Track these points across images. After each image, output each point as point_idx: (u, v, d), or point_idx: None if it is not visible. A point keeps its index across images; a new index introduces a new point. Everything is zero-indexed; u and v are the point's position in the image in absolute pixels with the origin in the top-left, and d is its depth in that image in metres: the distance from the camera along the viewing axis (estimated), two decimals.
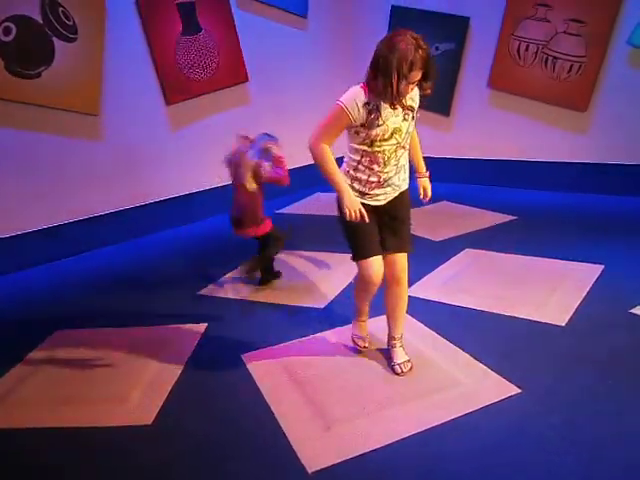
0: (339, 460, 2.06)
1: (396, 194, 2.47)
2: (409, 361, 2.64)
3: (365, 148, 2.32)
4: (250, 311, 3.46)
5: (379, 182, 2.39)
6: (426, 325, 3.05)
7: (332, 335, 3.03)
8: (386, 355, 2.73)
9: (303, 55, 6.38)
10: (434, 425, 2.21)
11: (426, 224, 4.83)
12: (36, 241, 4.56)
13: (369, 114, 2.23)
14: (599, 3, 5.10)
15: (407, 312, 3.15)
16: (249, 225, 3.57)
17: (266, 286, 3.79)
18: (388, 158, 2.35)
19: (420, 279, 3.66)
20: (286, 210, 5.79)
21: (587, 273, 3.59)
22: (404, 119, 2.31)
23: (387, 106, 2.24)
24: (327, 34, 6.61)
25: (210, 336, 3.15)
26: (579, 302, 3.20)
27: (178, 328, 3.26)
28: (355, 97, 2.22)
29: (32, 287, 4.18)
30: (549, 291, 3.38)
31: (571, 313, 3.07)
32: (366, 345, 2.80)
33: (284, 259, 4.22)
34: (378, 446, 2.11)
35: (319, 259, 4.16)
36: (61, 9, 4.39)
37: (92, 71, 4.66)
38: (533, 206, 5.31)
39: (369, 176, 2.38)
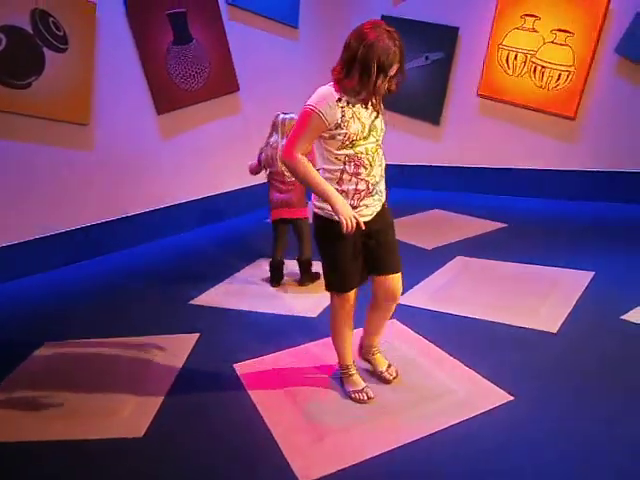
0: (332, 470, 2.04)
1: (380, 207, 2.32)
2: (392, 365, 2.64)
3: (347, 152, 2.16)
4: (242, 320, 3.44)
5: (368, 189, 2.22)
6: (418, 333, 3.05)
7: (325, 344, 3.01)
8: None
9: (294, 65, 6.42)
10: (427, 434, 2.21)
11: (418, 232, 4.85)
12: (25, 252, 4.53)
13: (343, 112, 2.11)
14: (586, 13, 5.17)
15: (400, 320, 3.16)
16: (297, 206, 3.78)
17: (260, 293, 3.81)
18: (373, 159, 2.21)
19: (412, 287, 3.66)
20: None
21: (578, 280, 3.60)
22: (376, 116, 2.22)
23: (358, 103, 2.15)
24: (318, 44, 6.65)
25: (202, 346, 3.13)
26: (570, 309, 3.21)
27: (170, 338, 3.24)
28: (325, 96, 2.12)
29: (20, 299, 4.13)
30: (540, 298, 3.39)
31: (562, 320, 3.08)
32: (371, 395, 2.47)
33: None
34: (371, 456, 2.10)
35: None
36: (51, 19, 4.39)
37: (82, 81, 4.65)
38: (523, 213, 5.35)
39: (357, 184, 2.20)
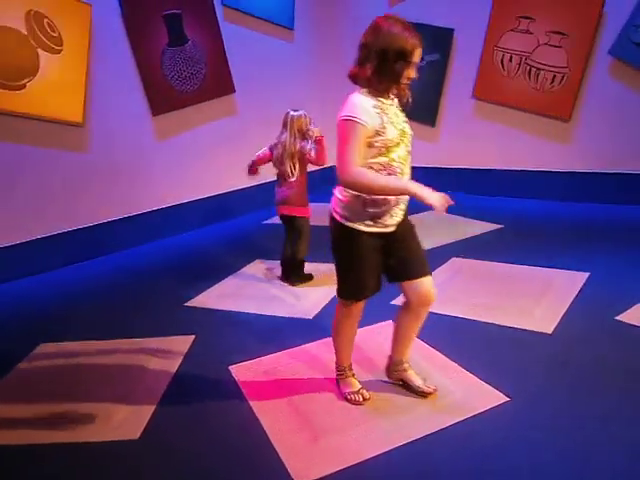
0: (328, 472, 2.04)
1: (403, 215, 2.24)
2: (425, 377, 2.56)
3: (382, 160, 2.07)
4: (238, 322, 3.44)
5: (396, 199, 2.14)
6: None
7: (320, 346, 3.02)
8: (375, 365, 2.73)
9: (289, 66, 6.42)
10: (424, 435, 2.21)
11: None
12: (21, 253, 4.51)
13: (381, 117, 2.03)
14: (580, 15, 5.19)
15: (395, 322, 3.15)
16: (296, 205, 3.82)
17: (250, 296, 3.81)
18: (404, 166, 2.13)
19: None
20: (271, 221, 5.78)
21: (573, 281, 3.62)
22: (404, 120, 2.16)
23: (389, 106, 2.09)
24: (313, 46, 6.66)
25: (198, 348, 3.12)
26: (565, 310, 3.22)
27: (165, 340, 3.23)
28: (360, 104, 2.02)
29: (15, 300, 4.12)
30: (535, 299, 3.40)
31: (557, 321, 3.09)
32: (367, 397, 2.48)
33: (271, 270, 4.22)
34: (368, 457, 2.10)
35: (306, 270, 4.16)
36: (46, 20, 4.38)
37: (77, 82, 4.64)
38: (519, 215, 5.36)
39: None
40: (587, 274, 3.68)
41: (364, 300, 2.35)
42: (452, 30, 5.99)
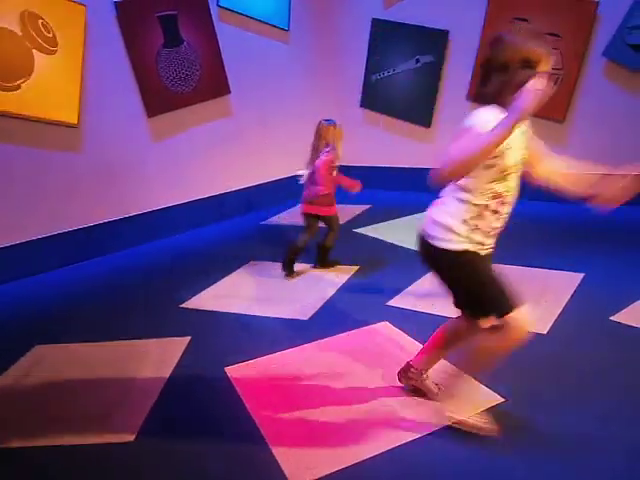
0: (325, 472, 2.04)
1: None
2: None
3: (495, 187, 1.91)
4: (234, 323, 3.43)
5: (500, 228, 2.05)
6: (410, 335, 3.04)
7: (316, 347, 3.01)
8: (372, 366, 2.73)
9: (285, 67, 6.42)
10: (421, 435, 2.21)
11: (410, 234, 4.83)
12: (16, 254, 4.49)
13: None
14: (574, 18, 5.22)
15: (392, 322, 3.15)
16: (322, 205, 4.02)
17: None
18: (512, 197, 1.97)
19: (404, 289, 3.67)
20: (269, 221, 5.78)
21: (568, 281, 3.63)
22: (525, 146, 1.98)
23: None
24: (308, 46, 6.66)
25: (193, 349, 3.11)
26: (561, 310, 3.23)
27: (161, 342, 3.22)
28: (487, 120, 1.77)
29: (11, 301, 4.10)
30: (531, 299, 3.40)
31: (553, 321, 3.10)
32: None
33: (267, 271, 4.21)
34: (365, 457, 2.10)
35: (303, 270, 4.16)
36: (41, 21, 4.36)
37: (72, 83, 4.63)
38: (514, 216, 5.33)
39: (493, 222, 1.99)
40: (582, 275, 3.69)
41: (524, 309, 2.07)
42: (447, 32, 6.01)
